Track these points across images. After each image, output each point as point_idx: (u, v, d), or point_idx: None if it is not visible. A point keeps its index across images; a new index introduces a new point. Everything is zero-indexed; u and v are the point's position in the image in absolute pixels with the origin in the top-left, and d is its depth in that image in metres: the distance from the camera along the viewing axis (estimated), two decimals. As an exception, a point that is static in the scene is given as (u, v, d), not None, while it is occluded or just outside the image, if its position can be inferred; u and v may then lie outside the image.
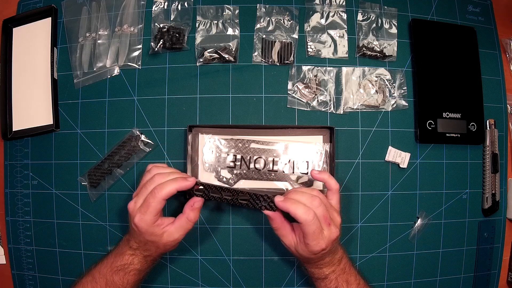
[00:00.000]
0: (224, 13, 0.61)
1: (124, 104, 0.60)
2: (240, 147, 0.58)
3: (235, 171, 0.58)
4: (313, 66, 0.60)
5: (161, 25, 0.61)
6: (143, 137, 0.59)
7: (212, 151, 0.58)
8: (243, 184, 0.58)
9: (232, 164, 0.58)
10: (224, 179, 0.58)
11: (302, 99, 0.60)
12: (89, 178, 0.59)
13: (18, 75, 0.63)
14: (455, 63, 0.62)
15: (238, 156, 0.58)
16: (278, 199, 0.46)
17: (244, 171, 0.58)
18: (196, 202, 0.49)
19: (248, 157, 0.58)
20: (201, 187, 0.49)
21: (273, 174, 0.58)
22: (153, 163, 0.52)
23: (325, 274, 0.50)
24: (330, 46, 0.61)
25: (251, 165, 0.58)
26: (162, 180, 0.47)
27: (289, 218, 0.47)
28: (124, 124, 0.60)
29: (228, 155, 0.58)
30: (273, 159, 0.58)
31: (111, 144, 0.60)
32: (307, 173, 0.58)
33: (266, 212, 0.48)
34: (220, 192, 0.49)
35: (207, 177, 0.58)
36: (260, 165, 0.58)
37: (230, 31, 0.61)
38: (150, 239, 0.47)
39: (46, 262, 0.61)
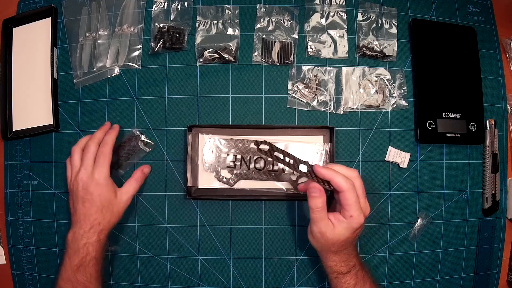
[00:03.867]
0: (224, 13, 0.61)
1: (124, 104, 0.60)
2: (240, 147, 0.58)
3: (235, 171, 0.58)
4: (313, 66, 0.60)
5: (161, 25, 0.61)
6: (143, 137, 0.59)
7: (212, 151, 0.58)
8: (243, 184, 0.58)
9: (232, 164, 0.58)
10: (224, 179, 0.58)
11: (302, 99, 0.60)
12: None
13: (18, 75, 0.63)
14: (455, 63, 0.62)
15: (238, 156, 0.58)
16: (318, 167, 0.46)
17: (244, 171, 0.58)
18: (145, 168, 0.56)
19: (248, 157, 0.58)
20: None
21: (273, 174, 0.58)
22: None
23: (349, 266, 0.49)
24: (330, 46, 0.61)
25: (251, 165, 0.58)
26: (96, 141, 0.53)
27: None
28: (124, 124, 0.60)
29: (228, 155, 0.58)
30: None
31: (111, 144, 0.60)
32: (307, 174, 0.58)
33: (316, 185, 0.46)
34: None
35: (207, 177, 0.58)
36: (260, 165, 0.58)
37: (230, 31, 0.61)
38: (107, 197, 0.50)
39: (46, 262, 0.61)
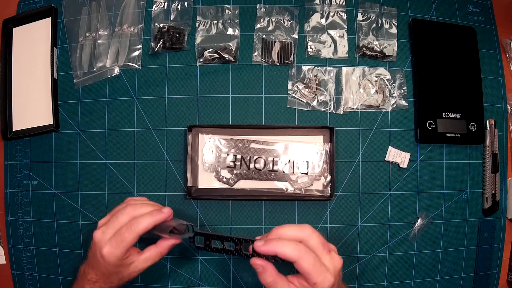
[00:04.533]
0: (224, 13, 0.61)
1: (124, 104, 0.60)
2: (240, 147, 0.58)
3: (235, 171, 0.58)
4: (313, 66, 0.60)
5: (161, 25, 0.61)
6: (194, 228, 0.49)
7: (212, 151, 0.58)
8: (243, 184, 0.58)
9: (232, 164, 0.58)
10: (224, 179, 0.58)
11: (302, 99, 0.60)
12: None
13: (18, 75, 0.63)
14: (455, 63, 0.62)
15: (238, 156, 0.58)
16: (258, 244, 0.39)
17: (244, 171, 0.58)
18: (176, 241, 0.47)
19: (248, 157, 0.58)
20: (183, 225, 0.46)
21: (273, 174, 0.58)
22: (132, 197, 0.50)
23: None
24: (330, 46, 0.61)
25: (251, 165, 0.58)
26: (136, 212, 0.44)
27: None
28: (124, 124, 0.60)
29: (228, 155, 0.58)
30: (273, 159, 0.58)
31: (111, 144, 0.60)
32: (307, 173, 0.58)
33: (256, 261, 0.40)
34: (206, 238, 0.45)
35: (207, 177, 0.58)
36: (260, 165, 0.58)
37: (230, 31, 0.61)
38: (115, 270, 0.45)
39: (46, 262, 0.61)
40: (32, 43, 0.63)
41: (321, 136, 0.59)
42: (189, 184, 0.57)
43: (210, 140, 0.58)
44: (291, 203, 0.59)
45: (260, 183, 0.59)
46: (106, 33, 0.62)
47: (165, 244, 0.47)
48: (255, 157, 0.58)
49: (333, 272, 0.39)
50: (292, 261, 0.38)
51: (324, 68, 0.61)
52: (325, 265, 0.39)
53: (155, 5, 0.62)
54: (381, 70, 0.61)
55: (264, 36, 0.61)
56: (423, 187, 0.60)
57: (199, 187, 0.58)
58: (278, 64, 0.60)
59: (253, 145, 0.58)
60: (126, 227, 0.43)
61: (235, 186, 0.58)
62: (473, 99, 0.62)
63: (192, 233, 0.47)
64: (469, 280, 0.61)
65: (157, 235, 0.47)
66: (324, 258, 0.40)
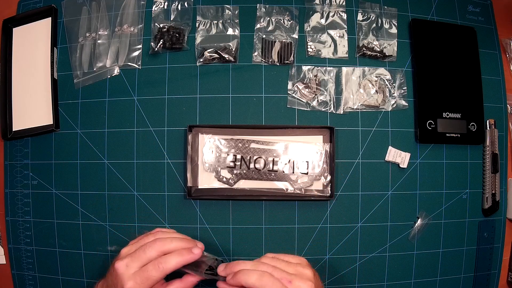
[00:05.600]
0: (224, 13, 0.61)
1: (124, 104, 0.60)
2: (240, 147, 0.58)
3: (235, 171, 0.58)
4: (313, 66, 0.60)
5: (161, 25, 0.61)
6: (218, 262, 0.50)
7: (212, 151, 0.58)
8: (243, 184, 0.58)
9: (232, 164, 0.58)
10: (224, 179, 0.58)
11: (302, 99, 0.60)
12: None
13: (18, 75, 0.63)
14: (455, 63, 0.62)
15: (238, 156, 0.58)
16: (223, 273, 0.42)
17: (244, 171, 0.58)
18: (197, 279, 0.46)
19: (248, 157, 0.58)
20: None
21: (273, 174, 0.58)
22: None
23: None
24: (330, 46, 0.61)
25: (251, 165, 0.58)
26: (165, 247, 0.43)
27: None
28: (124, 124, 0.60)
29: (228, 155, 0.58)
30: (273, 159, 0.58)
31: (111, 144, 0.60)
32: (307, 173, 0.58)
33: (221, 285, 0.43)
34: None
35: (207, 177, 0.58)
36: (260, 165, 0.58)
37: (230, 31, 0.61)
38: None
39: (46, 262, 0.61)
40: (32, 43, 0.63)
41: (321, 136, 0.59)
42: (189, 184, 0.57)
43: (210, 140, 0.58)
44: (291, 203, 0.59)
45: (260, 183, 0.59)
46: (106, 33, 0.62)
47: (190, 280, 0.45)
48: (255, 157, 0.58)
49: (307, 279, 0.42)
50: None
51: (324, 68, 0.61)
52: (292, 281, 0.41)
53: (155, 5, 0.62)
54: (381, 70, 0.61)
55: (264, 36, 0.61)
56: (423, 187, 0.60)
57: (199, 187, 0.58)
58: (278, 64, 0.60)
59: (253, 145, 0.58)
60: (153, 264, 0.41)
61: (235, 186, 0.58)
62: (473, 99, 0.62)
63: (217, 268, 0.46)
64: (469, 280, 0.61)
65: (184, 271, 0.45)
66: (294, 281, 0.41)
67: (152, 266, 0.41)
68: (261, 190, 0.59)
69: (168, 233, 0.47)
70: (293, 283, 0.41)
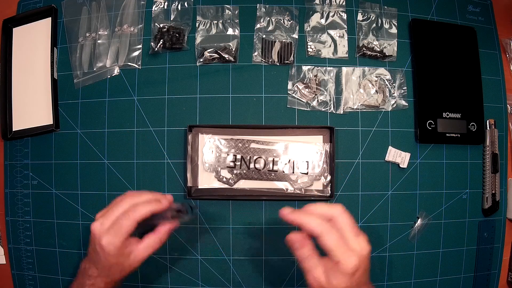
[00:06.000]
0: (224, 13, 0.61)
1: (124, 104, 0.60)
2: (240, 147, 0.58)
3: (235, 171, 0.58)
4: (313, 66, 0.60)
5: (161, 25, 0.61)
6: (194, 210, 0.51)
7: (212, 151, 0.58)
8: (243, 184, 0.58)
9: (232, 164, 0.58)
10: (224, 179, 0.58)
11: (302, 99, 0.60)
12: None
13: (18, 75, 0.63)
14: (455, 63, 0.62)
15: (238, 156, 0.58)
16: (285, 211, 0.41)
17: (244, 171, 0.58)
18: (174, 225, 0.47)
19: (248, 157, 0.58)
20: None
21: (273, 174, 0.58)
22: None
23: None
24: (330, 46, 0.61)
25: (251, 165, 0.58)
26: (134, 201, 0.44)
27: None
28: (124, 124, 0.60)
29: (228, 155, 0.58)
30: (273, 159, 0.58)
31: (111, 144, 0.60)
32: (307, 173, 0.58)
33: (293, 237, 0.41)
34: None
35: (207, 177, 0.58)
36: (260, 165, 0.58)
37: (230, 31, 0.61)
38: (116, 261, 0.44)
39: (46, 262, 0.61)
40: (32, 43, 0.63)
41: (321, 136, 0.59)
42: (189, 184, 0.57)
43: (210, 140, 0.58)
44: (291, 203, 0.59)
45: (260, 183, 0.59)
46: (106, 33, 0.62)
47: (163, 229, 0.47)
48: (255, 157, 0.58)
49: (359, 255, 0.39)
50: (315, 236, 0.39)
51: (324, 68, 0.61)
52: (350, 245, 0.39)
53: (155, 5, 0.62)
54: (381, 70, 0.61)
55: (264, 36, 0.61)
56: (423, 187, 0.60)
57: (199, 187, 0.58)
58: (278, 64, 0.60)
59: (253, 145, 0.58)
60: (124, 215, 0.43)
61: (235, 186, 0.58)
62: (473, 99, 0.62)
63: (191, 214, 0.48)
64: (469, 280, 0.61)
65: (157, 224, 0.47)
66: (351, 240, 0.39)
67: (123, 216, 0.43)
68: (261, 190, 0.59)
69: (138, 192, 0.49)
70: (359, 237, 0.40)
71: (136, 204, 0.44)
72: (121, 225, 0.43)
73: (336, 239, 0.38)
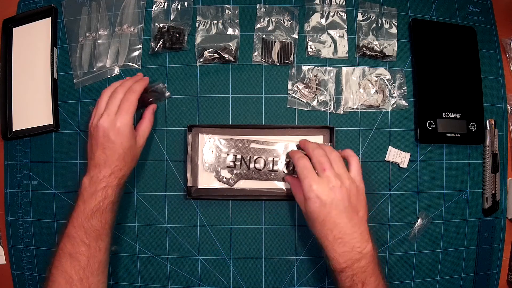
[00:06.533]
0: (224, 13, 0.61)
1: (124, 104, 0.60)
2: (240, 147, 0.58)
3: (235, 171, 0.58)
4: (313, 66, 0.60)
5: (161, 25, 0.61)
6: (164, 89, 0.59)
7: (212, 151, 0.58)
8: (243, 184, 0.58)
9: (232, 164, 0.58)
10: (224, 179, 0.58)
11: (302, 99, 0.60)
12: None
13: (18, 75, 0.63)
14: (455, 63, 0.62)
15: (238, 156, 0.58)
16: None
17: (244, 171, 0.58)
18: (154, 106, 0.56)
19: (248, 157, 0.58)
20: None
21: (273, 174, 0.58)
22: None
23: (341, 266, 0.44)
24: (330, 46, 0.61)
25: (251, 165, 0.58)
26: (126, 85, 0.52)
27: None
28: (124, 124, 0.60)
29: (228, 155, 0.58)
30: (273, 159, 0.58)
31: (111, 144, 0.60)
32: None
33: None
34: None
35: (207, 177, 0.58)
36: (260, 165, 0.58)
37: (230, 31, 0.61)
38: (130, 145, 0.49)
39: (46, 262, 0.60)
40: (32, 43, 0.63)
41: (321, 136, 0.59)
42: (189, 184, 0.57)
43: (210, 140, 0.58)
44: (291, 203, 0.59)
45: (260, 183, 0.59)
46: (106, 33, 0.62)
47: (148, 113, 0.55)
48: (255, 157, 0.58)
49: (322, 187, 0.45)
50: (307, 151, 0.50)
51: (324, 68, 0.61)
52: (315, 177, 0.46)
53: (155, 5, 0.62)
54: (381, 70, 0.61)
55: (264, 36, 0.61)
56: (423, 187, 0.60)
57: (199, 187, 0.58)
58: (278, 64, 0.60)
59: (253, 145, 0.58)
60: (126, 98, 0.50)
61: (235, 186, 0.58)
62: (473, 99, 0.62)
63: (165, 93, 0.59)
64: (469, 280, 0.61)
65: (141, 108, 0.56)
66: (319, 172, 0.47)
67: (124, 99, 0.50)
68: (261, 190, 0.59)
69: (120, 80, 0.55)
70: (325, 172, 0.46)
71: (127, 86, 0.51)
72: (128, 105, 0.49)
73: (300, 166, 0.48)
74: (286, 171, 0.58)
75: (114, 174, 0.48)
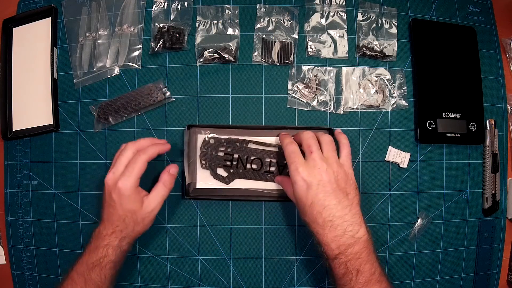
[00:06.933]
0: (224, 13, 0.61)
1: (124, 104, 0.60)
2: (237, 147, 0.58)
3: (231, 170, 0.58)
4: (313, 66, 0.60)
5: (161, 25, 0.61)
6: (165, 91, 0.59)
7: (209, 149, 0.58)
8: (238, 184, 0.58)
9: (228, 163, 0.58)
10: (220, 177, 0.58)
11: (302, 99, 0.60)
12: (100, 110, 0.59)
13: (18, 75, 0.63)
14: (455, 63, 0.62)
15: (235, 156, 0.58)
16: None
17: (240, 170, 0.58)
18: (172, 168, 0.51)
19: (245, 157, 0.58)
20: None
21: (269, 176, 0.58)
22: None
23: (334, 253, 0.43)
24: (330, 46, 0.61)
25: (247, 165, 0.58)
26: (139, 145, 0.49)
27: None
28: (124, 124, 0.60)
29: (224, 154, 0.58)
30: (270, 160, 0.58)
31: (111, 143, 0.60)
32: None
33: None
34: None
35: (204, 176, 0.58)
36: (256, 165, 0.58)
37: (230, 31, 0.61)
38: (130, 208, 0.47)
39: (46, 262, 0.61)
40: (32, 43, 0.63)
41: (321, 136, 0.59)
42: (187, 181, 0.57)
43: (207, 138, 0.58)
44: (291, 203, 0.59)
45: (256, 183, 0.58)
46: (106, 33, 0.62)
47: (164, 175, 0.50)
48: (252, 157, 0.58)
49: (309, 170, 0.45)
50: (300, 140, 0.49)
51: (324, 68, 0.61)
52: (302, 159, 0.47)
53: (155, 5, 0.62)
54: (381, 70, 0.61)
55: (264, 36, 0.61)
56: (423, 187, 0.60)
57: (197, 187, 0.58)
58: (278, 64, 0.60)
59: (250, 145, 0.58)
60: (134, 159, 0.47)
61: (230, 185, 0.58)
62: (473, 99, 0.62)
63: (172, 98, 0.57)
64: (469, 280, 0.61)
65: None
66: (307, 155, 0.47)
67: (133, 160, 0.47)
68: (257, 190, 0.58)
69: (138, 140, 0.52)
70: (312, 154, 0.46)
71: (142, 147, 0.49)
72: (133, 167, 0.47)
73: (288, 151, 0.48)
74: (276, 172, 0.58)
75: (115, 234, 0.47)
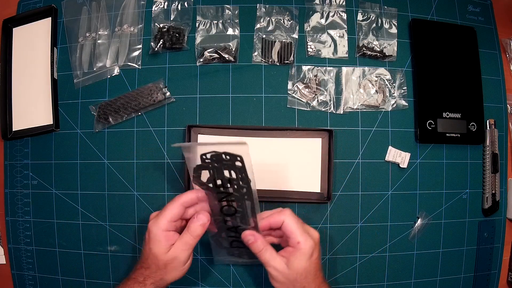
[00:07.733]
0: (224, 13, 0.61)
1: (124, 104, 0.60)
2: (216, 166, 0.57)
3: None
4: (313, 66, 0.60)
5: (161, 25, 0.61)
6: (165, 91, 0.58)
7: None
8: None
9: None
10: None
11: (302, 99, 0.60)
12: (100, 110, 0.59)
13: (18, 75, 0.63)
14: (455, 63, 0.62)
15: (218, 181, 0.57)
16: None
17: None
18: (199, 215, 0.45)
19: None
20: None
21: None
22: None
23: None
24: (330, 46, 0.61)
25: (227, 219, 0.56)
26: (182, 199, 0.46)
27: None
28: (124, 124, 0.60)
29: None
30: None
31: (111, 144, 0.60)
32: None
33: (247, 233, 0.46)
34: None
35: (203, 174, 0.58)
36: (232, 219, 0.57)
37: (230, 31, 0.61)
38: (154, 252, 0.45)
39: (46, 262, 0.61)
40: (32, 43, 0.63)
41: (320, 139, 0.59)
42: (186, 182, 0.57)
43: (206, 137, 0.58)
44: (291, 205, 0.59)
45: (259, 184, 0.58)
46: (106, 33, 0.62)
47: (192, 223, 0.45)
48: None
49: (313, 238, 0.45)
50: (281, 222, 0.45)
51: (324, 68, 0.61)
52: (306, 229, 0.46)
53: (155, 5, 0.62)
54: (381, 70, 0.61)
55: (264, 36, 0.61)
56: (423, 187, 0.60)
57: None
58: (278, 64, 0.60)
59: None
60: (169, 202, 0.46)
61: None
62: (473, 99, 0.62)
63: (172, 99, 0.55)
64: (469, 280, 0.61)
65: None
66: (305, 226, 0.47)
67: (169, 202, 0.46)
68: (258, 190, 0.58)
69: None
70: (307, 227, 0.47)
71: (185, 203, 0.46)
72: (165, 208, 0.45)
73: (295, 222, 0.45)
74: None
75: (138, 271, 0.47)
